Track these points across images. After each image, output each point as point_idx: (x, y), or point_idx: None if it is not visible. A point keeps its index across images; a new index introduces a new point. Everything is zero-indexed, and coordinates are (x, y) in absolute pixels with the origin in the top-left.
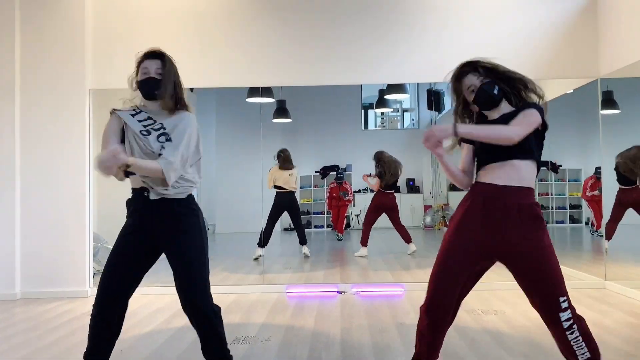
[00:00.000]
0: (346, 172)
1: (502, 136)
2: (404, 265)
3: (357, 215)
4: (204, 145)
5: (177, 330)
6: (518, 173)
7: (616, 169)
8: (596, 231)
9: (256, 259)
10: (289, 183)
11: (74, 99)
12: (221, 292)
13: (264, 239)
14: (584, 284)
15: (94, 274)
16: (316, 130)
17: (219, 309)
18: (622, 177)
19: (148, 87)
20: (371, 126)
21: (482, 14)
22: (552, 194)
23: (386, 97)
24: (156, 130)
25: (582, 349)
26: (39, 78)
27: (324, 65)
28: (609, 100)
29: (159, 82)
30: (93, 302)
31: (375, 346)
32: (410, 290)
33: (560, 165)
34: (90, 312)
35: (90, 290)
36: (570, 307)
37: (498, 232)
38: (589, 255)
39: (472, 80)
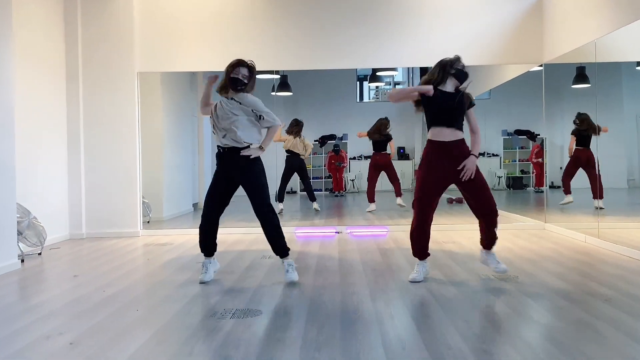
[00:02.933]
0: (342, 141)
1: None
2: (390, 215)
3: (352, 180)
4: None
5: (219, 252)
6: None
7: (577, 133)
8: (538, 188)
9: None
10: (296, 147)
11: (125, 80)
12: (246, 232)
13: (279, 195)
14: (528, 226)
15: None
16: (315, 102)
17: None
18: (582, 139)
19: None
20: (365, 98)
21: (455, 11)
22: (527, 160)
23: (378, 73)
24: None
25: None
26: (97, 63)
27: (325, 50)
28: (580, 75)
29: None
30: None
31: (362, 259)
32: (392, 231)
33: (538, 134)
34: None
35: (141, 231)
36: None
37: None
38: (534, 207)
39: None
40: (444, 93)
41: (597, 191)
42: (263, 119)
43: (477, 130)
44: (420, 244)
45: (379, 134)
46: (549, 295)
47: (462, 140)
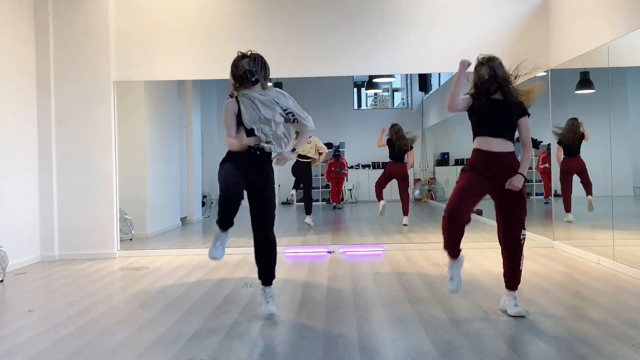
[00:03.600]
0: (340, 149)
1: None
2: (387, 231)
3: (350, 190)
4: (209, 128)
5: (195, 281)
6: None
7: (560, 143)
8: (546, 200)
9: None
10: (306, 151)
11: (101, 90)
12: (231, 252)
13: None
14: (535, 244)
15: (121, 239)
16: (311, 110)
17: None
18: (567, 149)
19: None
20: (363, 105)
21: (455, 14)
22: (533, 168)
23: (374, 80)
24: None
25: (521, 262)
26: (70, 71)
27: (318, 57)
28: (584, 81)
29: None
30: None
31: (354, 287)
32: (388, 250)
33: (541, 142)
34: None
35: (117, 252)
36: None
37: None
38: (542, 221)
39: (484, 71)
40: (489, 99)
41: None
42: (296, 121)
43: (528, 144)
44: (448, 238)
45: (399, 148)
46: (566, 338)
47: (511, 154)
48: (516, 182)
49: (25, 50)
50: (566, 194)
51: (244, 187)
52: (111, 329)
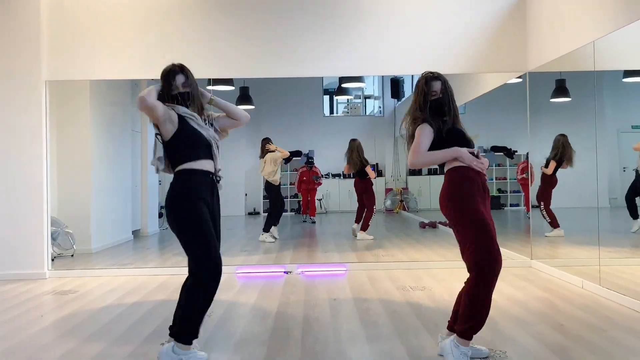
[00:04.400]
0: (311, 158)
1: None
2: (354, 247)
3: (319, 200)
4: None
5: (128, 307)
6: None
7: (561, 159)
8: (527, 213)
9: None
10: (269, 173)
11: (30, 90)
12: (174, 273)
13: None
14: (512, 263)
15: (54, 257)
16: (279, 116)
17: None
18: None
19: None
20: (335, 112)
21: (427, 14)
22: (508, 178)
23: (344, 85)
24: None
25: None
26: None
27: (287, 57)
28: (560, 89)
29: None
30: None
31: (305, 318)
32: (352, 270)
33: (516, 151)
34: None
35: (48, 272)
36: None
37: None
38: (523, 236)
39: (437, 87)
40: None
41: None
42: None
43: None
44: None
45: (359, 162)
46: None
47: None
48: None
49: None
50: (550, 209)
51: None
52: None
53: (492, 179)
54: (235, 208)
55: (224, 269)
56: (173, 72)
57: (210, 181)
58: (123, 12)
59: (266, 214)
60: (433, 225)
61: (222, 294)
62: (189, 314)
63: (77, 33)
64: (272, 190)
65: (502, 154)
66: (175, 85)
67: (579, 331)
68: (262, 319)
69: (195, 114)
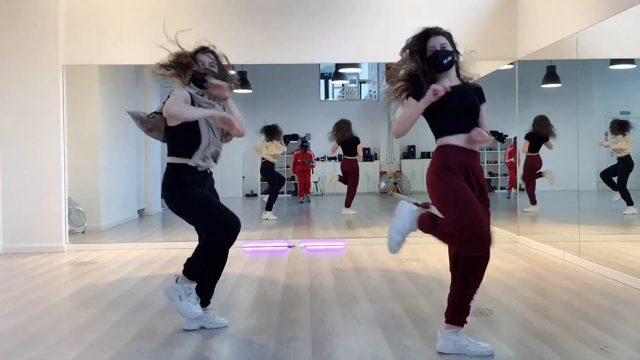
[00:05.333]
0: (307, 141)
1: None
2: (351, 225)
3: (315, 182)
4: None
5: (144, 277)
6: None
7: (531, 137)
8: (509, 193)
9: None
10: (269, 154)
11: (49, 74)
12: (185, 247)
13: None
14: (501, 238)
15: (69, 232)
16: (277, 100)
17: None
18: (533, 144)
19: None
20: (330, 96)
21: (422, 3)
22: (498, 162)
23: (341, 70)
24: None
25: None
26: (14, 54)
27: (286, 44)
28: (550, 75)
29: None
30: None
31: (312, 284)
32: (351, 244)
33: (507, 135)
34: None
35: (66, 246)
36: None
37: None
38: (512, 215)
39: (440, 41)
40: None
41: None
42: None
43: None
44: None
45: (341, 136)
46: (532, 341)
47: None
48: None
49: None
50: (531, 190)
51: None
52: (46, 328)
53: (483, 163)
54: (233, 190)
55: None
56: (205, 49)
57: (202, 174)
58: (131, 1)
59: (263, 195)
60: (426, 206)
61: (232, 266)
62: (201, 255)
63: (90, 21)
64: (271, 170)
65: (494, 137)
66: (203, 62)
67: (558, 294)
68: (272, 285)
69: (214, 103)
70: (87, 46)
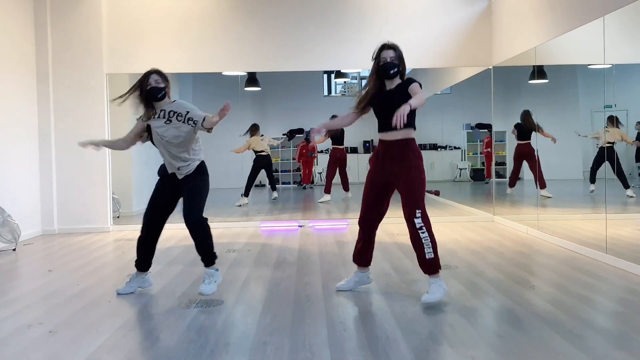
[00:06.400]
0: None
1: (422, 103)
2: (352, 209)
3: (319, 173)
4: None
5: (185, 247)
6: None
7: (519, 127)
8: (487, 180)
9: (240, 205)
10: (261, 145)
11: (95, 81)
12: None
13: (247, 190)
14: (478, 218)
15: (118, 216)
16: (283, 97)
17: (206, 219)
18: (521, 133)
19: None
20: (333, 92)
21: (412, 16)
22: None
23: (343, 70)
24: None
25: (428, 247)
26: (66, 64)
27: (300, 55)
28: (539, 72)
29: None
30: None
31: (321, 252)
32: (352, 224)
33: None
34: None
35: (111, 227)
36: (423, 216)
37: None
38: (486, 199)
39: (389, 54)
40: (384, 94)
41: (540, 182)
42: (196, 124)
43: (416, 93)
44: (360, 245)
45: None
46: (481, 283)
47: (407, 141)
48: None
49: (26, 45)
50: (515, 176)
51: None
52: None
53: (476, 153)
54: (242, 181)
55: (250, 223)
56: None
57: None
58: (166, 17)
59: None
60: (437, 193)
61: (254, 239)
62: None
63: (130, 34)
64: (268, 160)
65: (486, 130)
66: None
67: (513, 256)
68: (289, 252)
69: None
70: (126, 56)
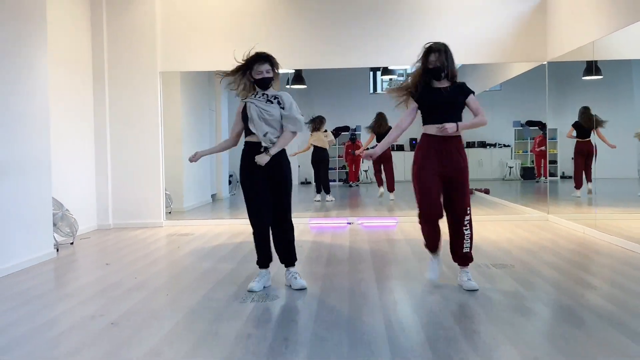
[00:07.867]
0: (356, 132)
1: (482, 124)
2: (400, 206)
3: (365, 171)
4: (234, 112)
5: (237, 244)
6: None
7: (578, 126)
8: (538, 179)
9: (318, 200)
10: (322, 141)
11: (148, 80)
12: None
13: (317, 186)
14: (532, 217)
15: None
16: (329, 95)
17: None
18: (581, 131)
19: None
20: (379, 89)
21: (464, 12)
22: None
23: (390, 67)
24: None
25: (467, 243)
26: (121, 64)
27: (337, 48)
28: (592, 67)
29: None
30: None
31: (371, 249)
32: (401, 222)
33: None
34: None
35: (164, 222)
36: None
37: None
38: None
39: (436, 57)
40: (432, 90)
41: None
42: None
43: (479, 114)
44: (427, 237)
45: (380, 128)
46: (539, 282)
47: (459, 138)
48: (449, 126)
49: (83, 45)
50: (579, 174)
51: (269, 200)
52: (180, 274)
53: (526, 152)
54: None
55: (300, 220)
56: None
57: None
58: (218, 15)
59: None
60: (487, 192)
61: (304, 236)
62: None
63: (182, 33)
64: (326, 155)
65: (536, 127)
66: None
67: (570, 256)
68: (340, 249)
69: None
70: (179, 55)
